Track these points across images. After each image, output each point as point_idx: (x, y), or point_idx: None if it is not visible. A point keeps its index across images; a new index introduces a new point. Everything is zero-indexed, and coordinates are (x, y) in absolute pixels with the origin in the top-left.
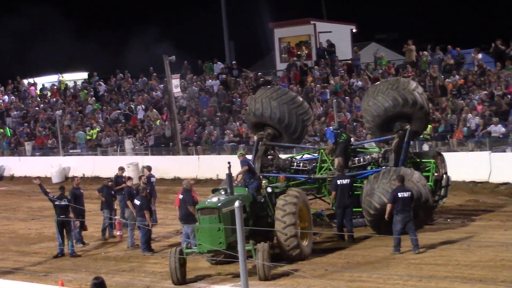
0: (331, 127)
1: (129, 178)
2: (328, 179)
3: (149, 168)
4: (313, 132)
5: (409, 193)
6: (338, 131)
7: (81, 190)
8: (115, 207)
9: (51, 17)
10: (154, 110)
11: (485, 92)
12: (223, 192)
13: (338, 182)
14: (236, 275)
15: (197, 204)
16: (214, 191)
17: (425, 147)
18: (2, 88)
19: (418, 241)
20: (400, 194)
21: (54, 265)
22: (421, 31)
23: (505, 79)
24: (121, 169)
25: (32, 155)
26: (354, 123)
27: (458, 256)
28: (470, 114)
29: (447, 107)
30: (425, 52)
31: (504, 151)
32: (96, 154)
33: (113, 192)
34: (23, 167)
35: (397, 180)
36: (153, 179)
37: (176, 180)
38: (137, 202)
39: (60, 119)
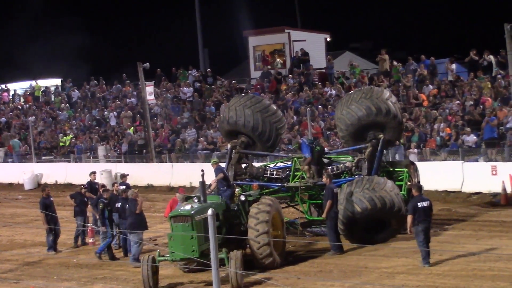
0: (305, 139)
1: (105, 190)
2: (301, 187)
3: (121, 176)
4: (286, 140)
5: (428, 202)
6: (313, 144)
7: (51, 199)
8: (88, 215)
9: (25, 23)
10: (129, 111)
11: (458, 102)
12: (196, 200)
13: (335, 190)
14: (209, 283)
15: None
16: (187, 198)
17: (398, 156)
18: None
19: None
20: (420, 204)
21: (25, 272)
22: (395, 40)
23: (478, 88)
24: (93, 173)
25: (4, 161)
26: (328, 132)
27: (430, 265)
28: (443, 124)
29: (420, 117)
30: (394, 64)
31: (476, 160)
32: (69, 161)
33: (86, 199)
34: None
35: (414, 189)
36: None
37: (150, 188)
38: (118, 205)
39: (33, 126)
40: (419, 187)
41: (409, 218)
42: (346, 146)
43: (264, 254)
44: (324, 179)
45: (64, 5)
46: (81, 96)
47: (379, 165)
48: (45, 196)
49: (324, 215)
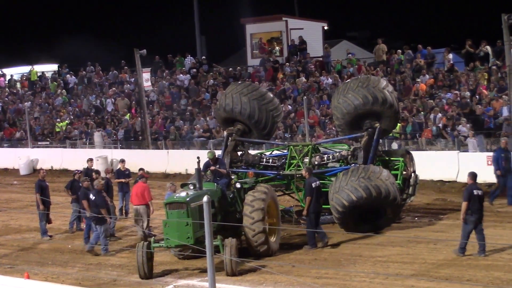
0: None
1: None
2: (297, 175)
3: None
4: (283, 128)
5: (482, 191)
6: None
7: (47, 183)
8: None
9: (24, 9)
10: (126, 98)
11: (455, 92)
12: (191, 187)
13: (313, 185)
14: (203, 270)
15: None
16: (183, 185)
17: (394, 146)
18: None
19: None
20: (475, 192)
21: (20, 258)
22: (393, 29)
23: (475, 79)
24: (90, 160)
25: (0, 146)
26: (325, 120)
27: (425, 255)
28: (440, 114)
29: (413, 108)
30: (397, 52)
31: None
32: (64, 147)
33: (80, 185)
34: None
35: (469, 177)
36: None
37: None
38: (92, 197)
39: (29, 111)
40: (474, 175)
41: (464, 205)
42: (342, 134)
43: (259, 242)
44: (304, 173)
45: None
46: (77, 82)
47: (375, 154)
48: (41, 179)
49: (304, 213)
